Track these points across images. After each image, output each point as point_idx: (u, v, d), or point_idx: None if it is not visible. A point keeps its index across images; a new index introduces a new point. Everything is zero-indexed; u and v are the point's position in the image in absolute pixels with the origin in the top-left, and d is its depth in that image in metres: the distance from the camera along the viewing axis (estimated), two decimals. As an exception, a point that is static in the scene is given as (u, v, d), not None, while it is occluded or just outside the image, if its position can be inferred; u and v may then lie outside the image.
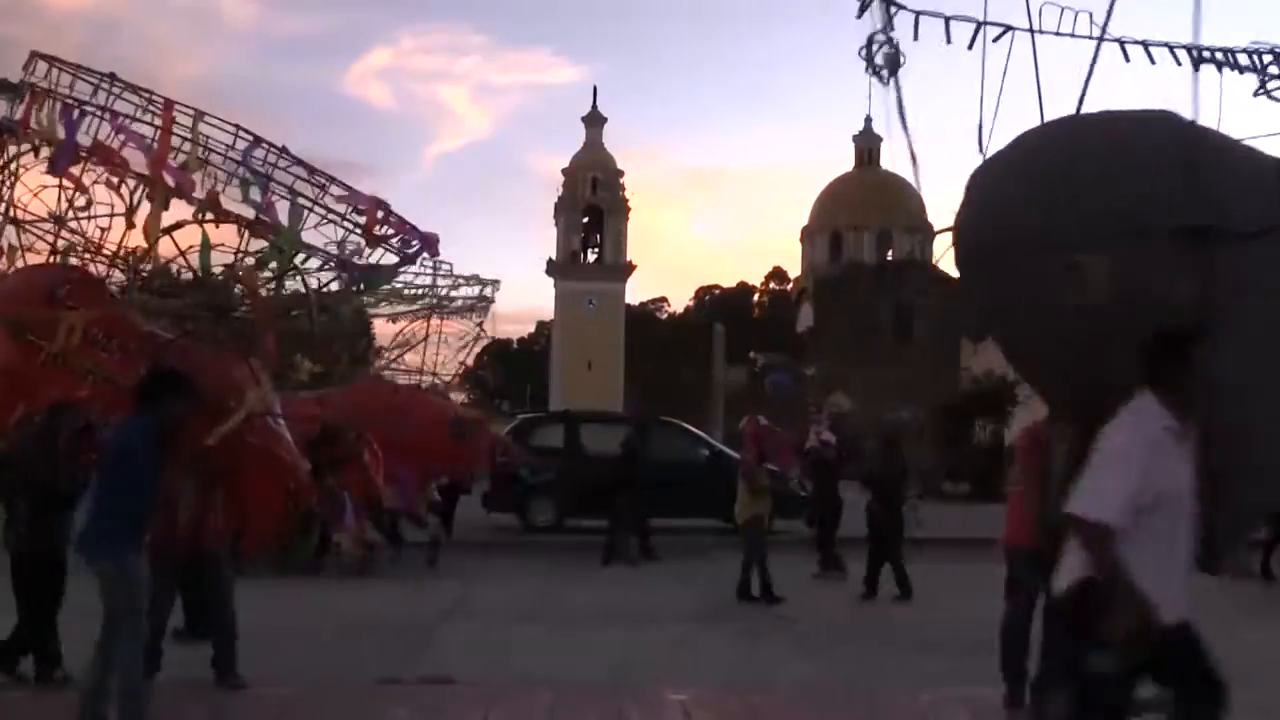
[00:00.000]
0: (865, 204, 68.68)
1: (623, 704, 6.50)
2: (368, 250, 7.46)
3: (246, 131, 7.26)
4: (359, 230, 7.35)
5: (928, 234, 71.23)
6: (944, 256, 4.98)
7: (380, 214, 7.41)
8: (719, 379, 32.24)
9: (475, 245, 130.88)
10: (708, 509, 17.05)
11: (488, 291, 14.37)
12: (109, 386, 6.71)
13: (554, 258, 61.32)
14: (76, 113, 6.92)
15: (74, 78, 7.03)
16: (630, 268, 61.90)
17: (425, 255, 8.31)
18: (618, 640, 8.70)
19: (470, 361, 14.56)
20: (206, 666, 6.97)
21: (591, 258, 62.34)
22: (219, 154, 7.21)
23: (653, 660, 7.98)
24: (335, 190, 7.53)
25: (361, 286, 8.50)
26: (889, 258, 68.30)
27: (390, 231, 7.55)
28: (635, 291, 74.57)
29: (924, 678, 7.42)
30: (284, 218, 7.02)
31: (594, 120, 63.00)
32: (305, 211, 7.19)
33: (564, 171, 63.03)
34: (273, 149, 7.32)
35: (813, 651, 8.34)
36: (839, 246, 69.48)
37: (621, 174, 62.67)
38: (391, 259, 7.79)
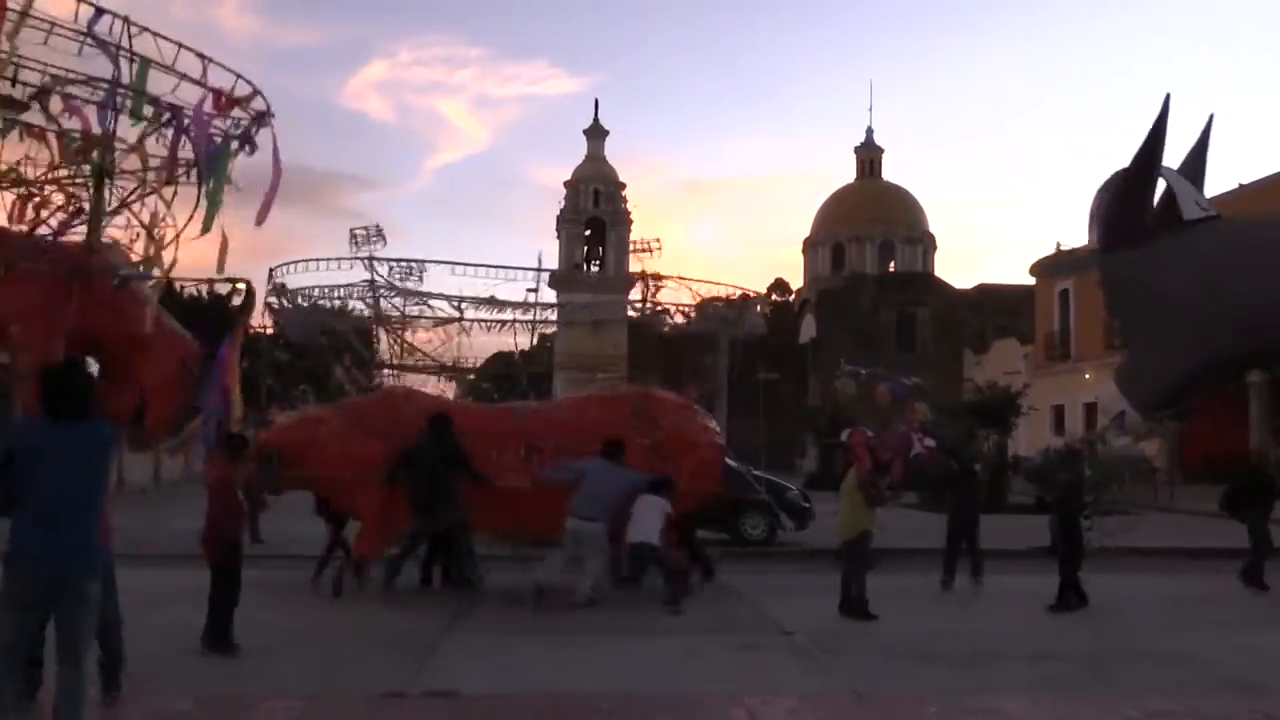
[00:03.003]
0: (867, 215, 68.81)
1: (628, 715, 6.49)
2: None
3: (89, 2, 7.29)
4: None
5: (929, 244, 71.42)
6: None
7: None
8: (722, 391, 32.18)
9: (476, 257, 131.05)
10: (712, 522, 16.98)
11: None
12: None
13: (556, 269, 61.28)
14: None
15: None
16: (633, 280, 61.88)
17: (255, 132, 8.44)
18: (622, 651, 8.68)
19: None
20: (220, 680, 6.98)
21: (594, 269, 62.29)
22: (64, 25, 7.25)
23: (657, 671, 7.98)
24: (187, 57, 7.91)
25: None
26: (891, 268, 68.35)
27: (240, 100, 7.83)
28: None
29: (926, 688, 7.42)
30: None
31: (595, 132, 63.05)
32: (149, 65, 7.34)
33: (566, 184, 63.08)
34: (117, 17, 7.31)
35: (815, 662, 8.33)
36: (841, 257, 69.56)
37: (623, 186, 62.71)
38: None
